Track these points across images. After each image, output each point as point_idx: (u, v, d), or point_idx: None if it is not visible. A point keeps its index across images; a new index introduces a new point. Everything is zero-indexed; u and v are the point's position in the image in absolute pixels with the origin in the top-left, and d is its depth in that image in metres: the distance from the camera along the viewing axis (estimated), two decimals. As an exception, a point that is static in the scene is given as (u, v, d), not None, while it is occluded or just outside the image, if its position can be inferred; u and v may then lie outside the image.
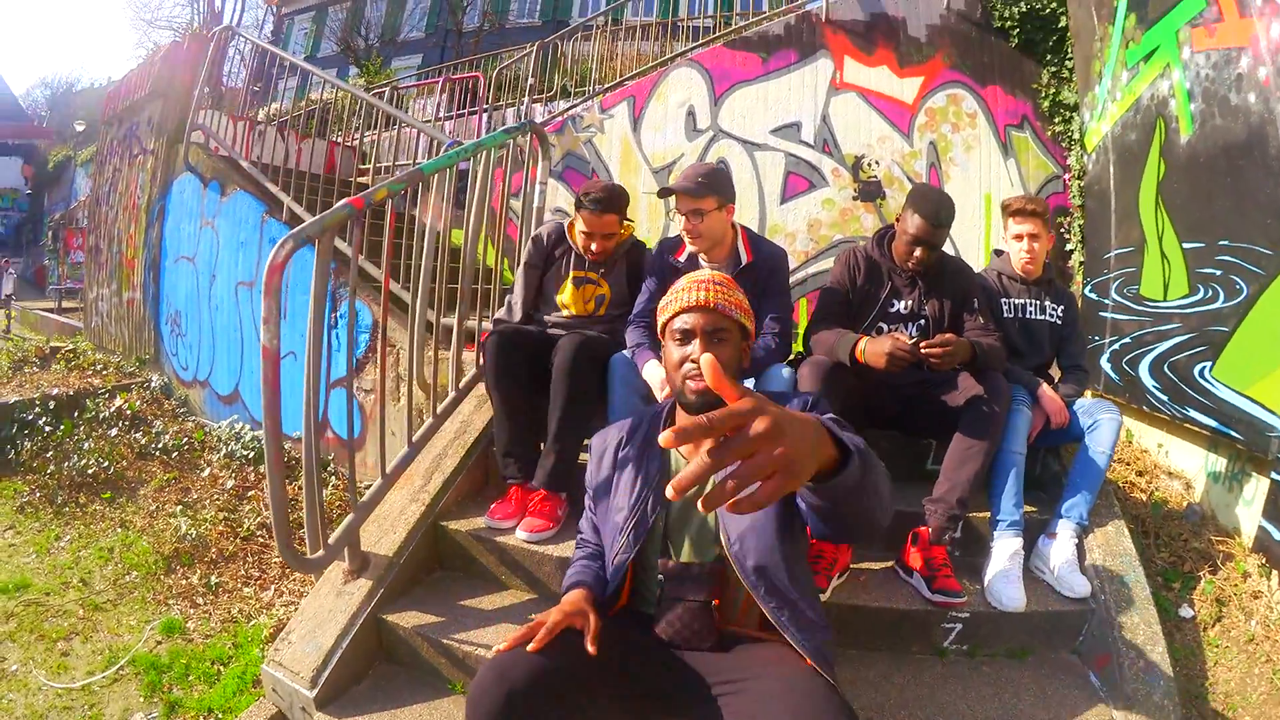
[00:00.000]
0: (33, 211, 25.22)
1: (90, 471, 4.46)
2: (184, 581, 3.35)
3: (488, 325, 2.85)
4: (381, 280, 2.40)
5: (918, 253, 2.33)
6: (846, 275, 2.47)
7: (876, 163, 5.45)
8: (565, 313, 2.71)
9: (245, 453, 4.49)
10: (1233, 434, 2.98)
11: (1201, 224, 3.36)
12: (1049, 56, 5.35)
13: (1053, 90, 5.30)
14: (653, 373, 2.29)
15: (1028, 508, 2.45)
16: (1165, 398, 3.52)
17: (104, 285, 7.59)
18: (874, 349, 2.20)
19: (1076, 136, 5.09)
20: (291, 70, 5.91)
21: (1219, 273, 3.16)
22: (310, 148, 5.67)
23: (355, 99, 5.75)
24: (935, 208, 2.31)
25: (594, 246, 2.61)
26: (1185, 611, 2.60)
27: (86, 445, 4.72)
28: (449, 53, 15.87)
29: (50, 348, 7.16)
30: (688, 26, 7.94)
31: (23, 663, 3.00)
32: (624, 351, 2.43)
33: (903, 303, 2.44)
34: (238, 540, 3.60)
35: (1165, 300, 3.61)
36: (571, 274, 2.67)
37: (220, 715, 2.38)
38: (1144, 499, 3.40)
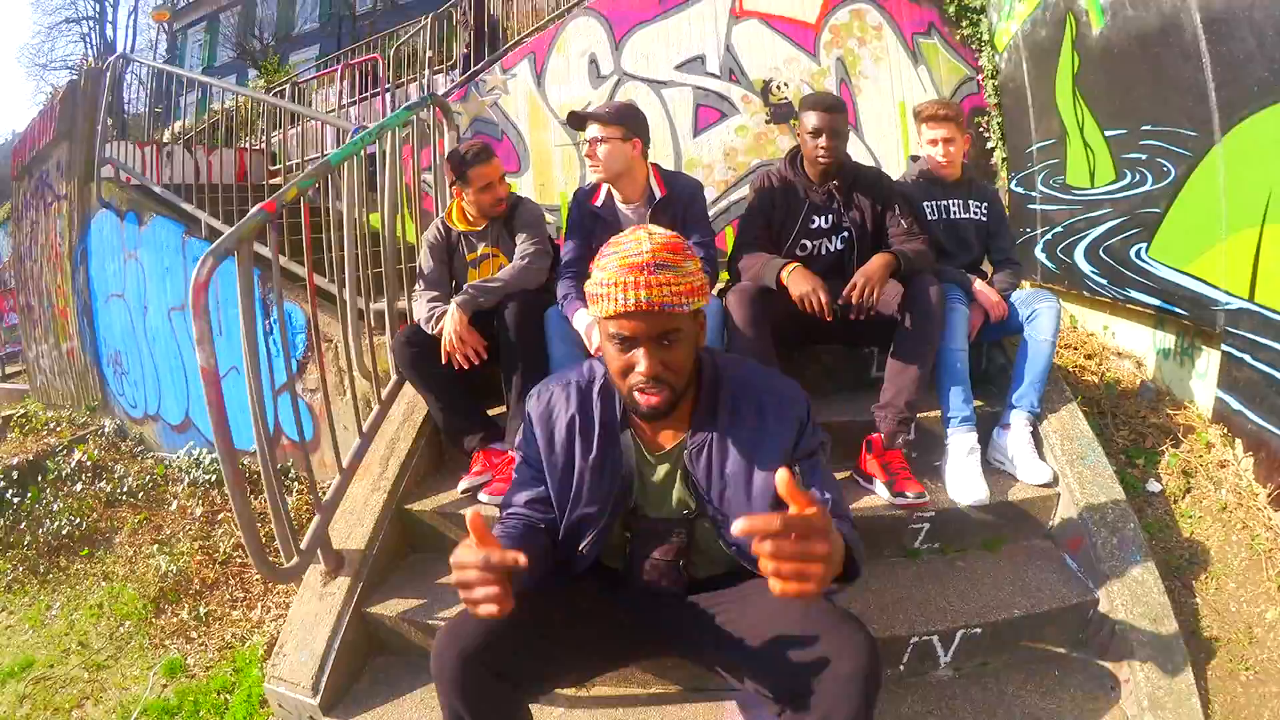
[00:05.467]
0: (-46, 286, 24.20)
1: (65, 532, 4.37)
2: (175, 619, 3.32)
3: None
4: (306, 278, 2.39)
5: (823, 142, 2.37)
6: (764, 198, 2.50)
7: (786, 84, 5.49)
8: None
9: (207, 477, 4.41)
10: (1177, 310, 3.03)
11: (1122, 111, 3.40)
12: (952, -38, 5.38)
13: (958, -5, 5.31)
14: (582, 321, 2.31)
15: (979, 402, 2.49)
16: (1104, 281, 3.60)
17: (42, 341, 7.37)
18: (794, 283, 2.24)
19: (986, 38, 5.13)
20: (190, 84, 5.73)
21: (1144, 157, 3.21)
22: (220, 159, 5.58)
23: (258, 102, 5.63)
24: (820, 98, 2.42)
25: (498, 193, 2.63)
26: (1153, 486, 2.63)
27: (56, 507, 4.62)
28: (345, 38, 15.46)
29: (2, 418, 6.91)
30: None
31: None
32: (555, 306, 2.45)
33: (823, 217, 2.48)
34: (217, 566, 3.56)
35: (1093, 187, 3.67)
36: (466, 256, 2.71)
37: None
38: (1096, 381, 3.44)
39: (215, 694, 2.68)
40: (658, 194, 2.47)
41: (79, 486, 4.83)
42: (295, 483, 3.86)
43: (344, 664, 2.02)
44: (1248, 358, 2.57)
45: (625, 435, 1.46)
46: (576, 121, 2.43)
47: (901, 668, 1.94)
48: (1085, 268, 3.77)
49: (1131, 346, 3.63)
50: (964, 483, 2.22)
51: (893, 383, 2.26)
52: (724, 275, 2.82)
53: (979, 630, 1.92)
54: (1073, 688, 1.87)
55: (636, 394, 1.32)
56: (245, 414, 2.02)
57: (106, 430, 5.75)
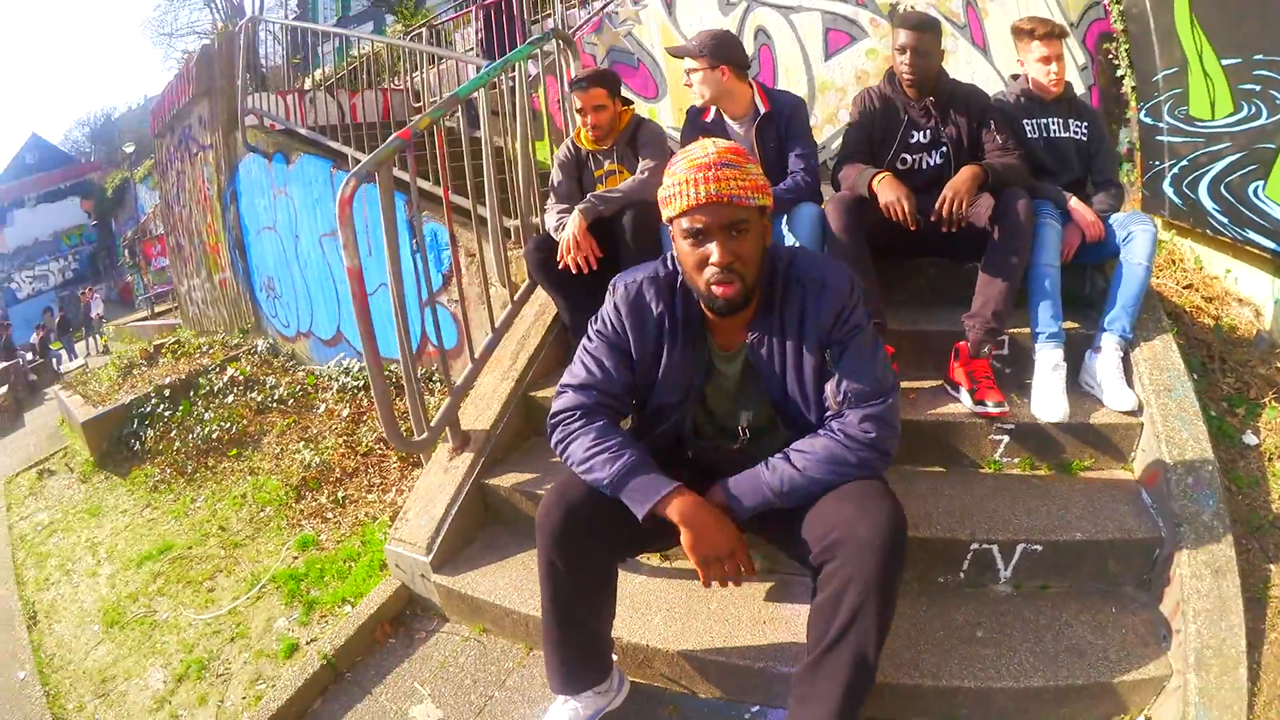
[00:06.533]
0: (103, 239, 26.97)
1: (215, 436, 4.82)
2: (313, 503, 3.66)
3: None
4: (462, 204, 2.68)
5: (907, 59, 2.46)
6: (865, 114, 2.60)
7: (913, 6, 5.28)
8: None
9: (355, 384, 4.72)
10: None
11: (1236, 40, 3.24)
12: (1078, -116, 5.01)
13: (1086, -84, 4.97)
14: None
15: (1075, 325, 2.48)
16: (1225, 220, 3.41)
17: (193, 276, 8.21)
18: (882, 190, 2.35)
19: (1113, -39, 4.82)
20: (325, 36, 6.15)
21: (1258, 88, 3.05)
22: (363, 100, 5.96)
23: (396, 46, 6.01)
24: (909, 16, 2.51)
25: (590, 119, 2.80)
26: (1249, 439, 2.47)
27: (207, 416, 5.10)
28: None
29: (154, 346, 7.69)
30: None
31: (172, 609, 3.31)
32: None
33: (921, 132, 2.55)
34: (358, 457, 3.87)
35: (1214, 120, 3.48)
36: (594, 172, 2.93)
37: (353, 601, 2.58)
38: (1211, 325, 3.29)
39: (341, 562, 2.99)
40: (761, 109, 2.64)
41: (230, 399, 5.32)
42: (437, 384, 4.06)
43: (458, 529, 2.29)
44: (1358, 314, 2.37)
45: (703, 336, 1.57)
46: (676, 54, 2.67)
47: (961, 575, 1.98)
48: (1209, 205, 3.57)
49: (1251, 293, 3.46)
50: (1046, 399, 2.24)
51: (981, 294, 2.32)
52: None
53: (1039, 548, 1.93)
54: (1125, 628, 1.81)
55: (713, 287, 1.40)
56: (392, 325, 2.30)
57: (259, 349, 6.35)
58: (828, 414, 1.53)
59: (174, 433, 5.17)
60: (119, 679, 3.04)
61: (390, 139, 2.35)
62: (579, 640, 1.63)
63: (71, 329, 18.72)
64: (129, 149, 22.33)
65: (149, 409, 5.61)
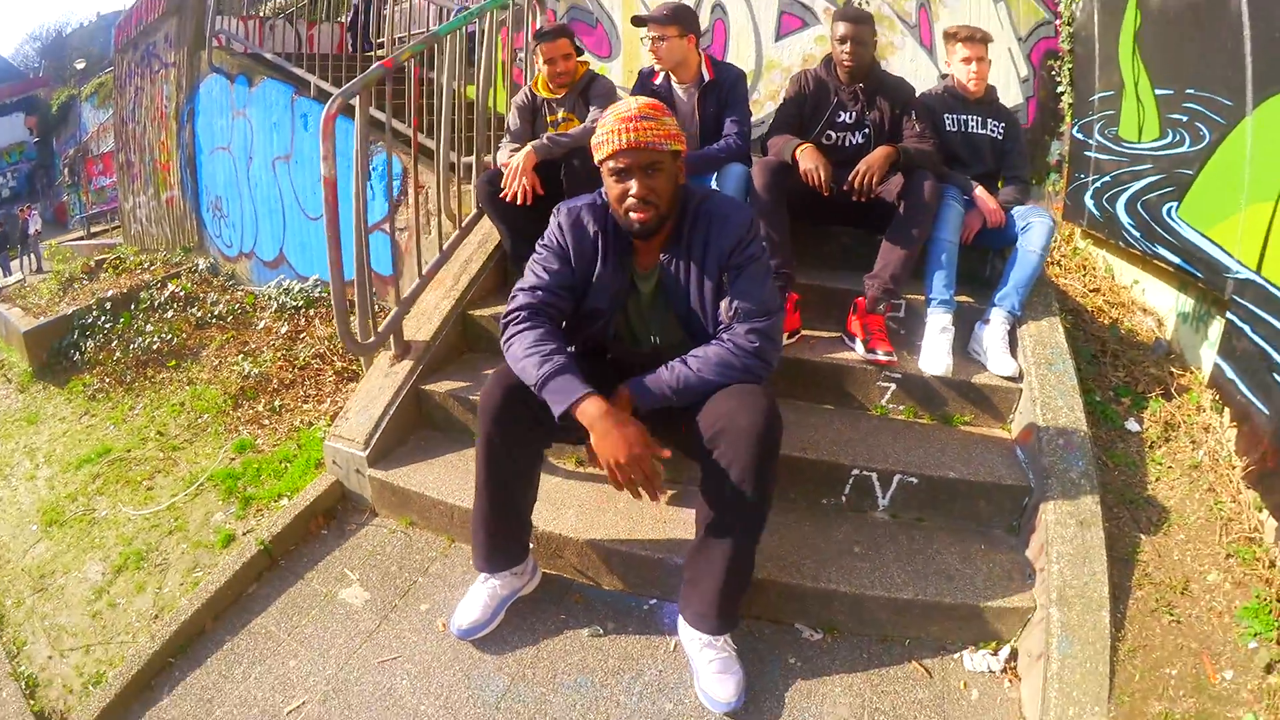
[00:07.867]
0: (43, 158, 25.77)
1: (154, 347, 4.83)
2: (251, 411, 3.74)
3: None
4: (408, 136, 2.81)
5: (847, 48, 2.69)
6: (799, 91, 2.83)
7: (867, 2, 5.52)
8: None
9: (294, 303, 4.77)
10: (1195, 272, 3.12)
11: (1172, 71, 3.49)
12: (1041, -98, 5.25)
13: (1044, -64, 5.23)
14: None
15: (970, 300, 2.74)
16: (1138, 234, 3.68)
17: (139, 194, 8.04)
18: (803, 158, 2.58)
19: (1067, -17, 5.10)
20: None
21: (1185, 118, 3.29)
22: (320, 32, 5.93)
23: None
24: (847, 10, 2.78)
25: (559, 68, 2.96)
26: (1132, 425, 2.70)
27: (148, 329, 5.10)
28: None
29: (95, 262, 7.50)
30: None
31: (111, 507, 3.35)
32: None
33: (848, 113, 2.80)
34: (295, 370, 3.96)
35: (1140, 142, 3.75)
36: (548, 118, 3.09)
37: (289, 496, 2.69)
38: (1108, 325, 3.54)
39: (278, 463, 3.09)
40: (706, 78, 2.88)
41: (170, 313, 5.32)
42: (377, 311, 4.11)
43: (394, 429, 2.44)
44: (1248, 329, 2.63)
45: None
46: (639, 23, 2.84)
47: (843, 499, 2.22)
48: (1124, 219, 3.86)
49: (1156, 305, 3.71)
50: (932, 355, 2.50)
51: (883, 258, 2.59)
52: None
53: (915, 480, 2.15)
54: (992, 563, 1.99)
55: (631, 214, 1.67)
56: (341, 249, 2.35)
57: (200, 268, 6.29)
58: (721, 327, 1.76)
59: (114, 344, 5.16)
60: (57, 573, 3.09)
61: (373, 66, 2.47)
62: (505, 518, 1.83)
63: (7, 246, 17.89)
64: (79, 65, 21.34)
65: (90, 320, 5.57)
